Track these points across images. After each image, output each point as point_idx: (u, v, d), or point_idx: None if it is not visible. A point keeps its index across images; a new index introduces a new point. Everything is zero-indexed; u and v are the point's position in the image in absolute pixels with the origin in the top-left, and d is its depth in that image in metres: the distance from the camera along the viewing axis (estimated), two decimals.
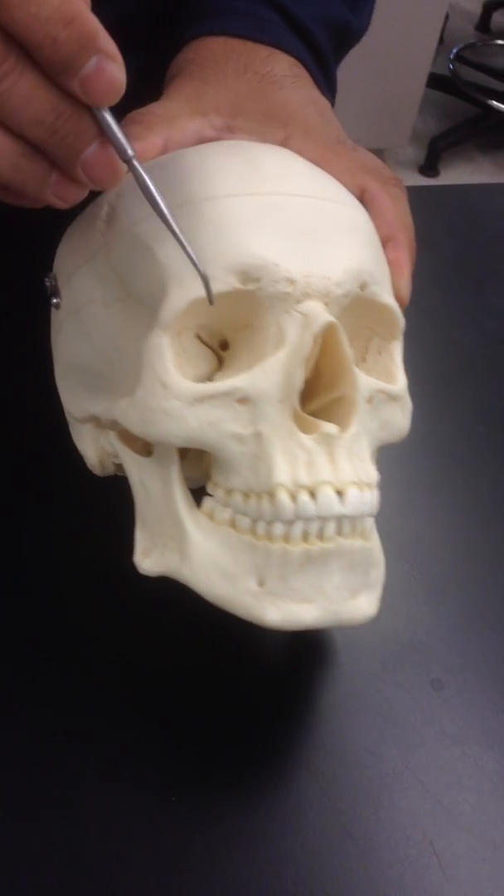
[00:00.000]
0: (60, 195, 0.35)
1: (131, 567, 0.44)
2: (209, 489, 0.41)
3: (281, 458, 0.37)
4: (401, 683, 0.50)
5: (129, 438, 0.44)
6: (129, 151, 0.34)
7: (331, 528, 0.38)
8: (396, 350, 0.44)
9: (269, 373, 0.38)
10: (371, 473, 0.40)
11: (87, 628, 0.50)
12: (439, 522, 0.59)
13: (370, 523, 0.41)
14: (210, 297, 0.37)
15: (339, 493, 0.37)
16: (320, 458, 0.38)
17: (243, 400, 0.38)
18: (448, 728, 0.48)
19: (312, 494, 0.37)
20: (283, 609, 0.38)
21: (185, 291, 0.38)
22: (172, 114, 0.44)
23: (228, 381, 0.38)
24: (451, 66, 2.63)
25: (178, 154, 0.42)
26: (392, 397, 0.43)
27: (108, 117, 0.33)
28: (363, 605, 0.40)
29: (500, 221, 0.85)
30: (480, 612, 0.53)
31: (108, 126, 0.33)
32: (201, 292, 0.37)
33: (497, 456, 0.63)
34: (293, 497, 0.37)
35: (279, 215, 0.38)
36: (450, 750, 0.47)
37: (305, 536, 0.38)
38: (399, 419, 0.44)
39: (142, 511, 0.44)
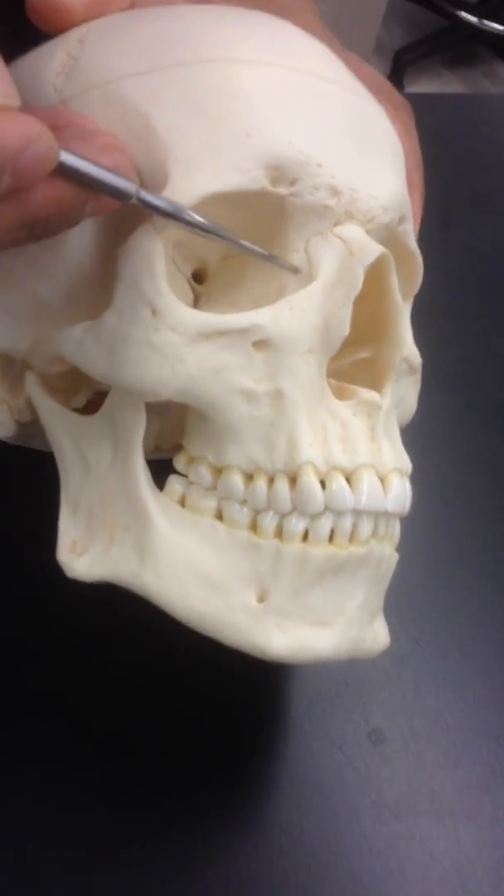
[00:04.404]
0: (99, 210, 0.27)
1: (47, 568, 0.31)
2: (179, 466, 0.31)
3: (308, 428, 0.28)
4: (329, 736, 0.39)
5: (51, 386, 0.33)
6: (125, 185, 0.25)
7: (366, 527, 0.29)
8: (407, 314, 0.36)
9: (300, 311, 0.28)
10: (407, 460, 0.32)
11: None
12: None
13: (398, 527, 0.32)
14: (292, 269, 0.29)
15: (381, 482, 0.30)
16: (359, 433, 0.29)
17: (261, 344, 0.28)
18: (388, 796, 0.38)
19: (349, 480, 0.29)
20: (293, 634, 0.29)
21: (193, 181, 0.27)
22: None
23: (246, 315, 0.28)
24: None
25: (170, 8, 0.32)
26: (412, 368, 0.35)
27: (83, 166, 0.24)
28: (380, 631, 0.32)
29: (468, 137, 0.72)
30: (434, 638, 0.42)
31: (91, 177, 0.24)
32: (216, 186, 0.27)
33: (454, 432, 0.52)
34: (324, 481, 0.28)
35: (313, 101, 0.29)
36: (390, 826, 0.37)
37: (331, 536, 0.29)
38: (411, 397, 0.36)
39: (73, 488, 0.32)
